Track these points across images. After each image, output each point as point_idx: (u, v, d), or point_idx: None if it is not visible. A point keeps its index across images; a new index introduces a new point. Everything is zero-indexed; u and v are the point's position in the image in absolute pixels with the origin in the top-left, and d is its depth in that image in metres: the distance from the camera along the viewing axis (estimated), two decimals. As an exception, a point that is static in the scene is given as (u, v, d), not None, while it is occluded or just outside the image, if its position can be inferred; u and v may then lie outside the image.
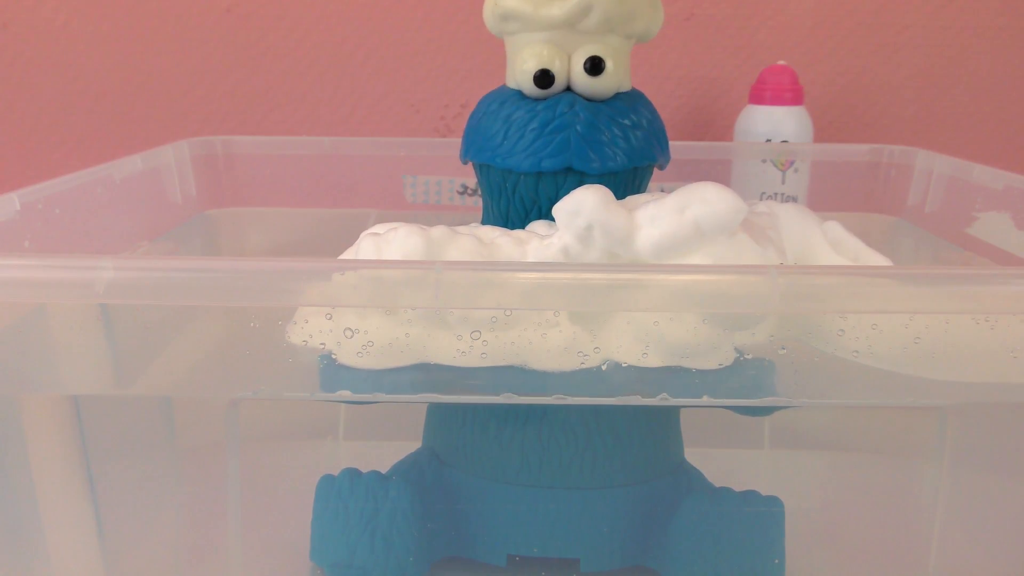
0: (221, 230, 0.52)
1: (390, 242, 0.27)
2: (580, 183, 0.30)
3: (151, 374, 0.28)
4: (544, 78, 0.31)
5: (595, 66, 0.31)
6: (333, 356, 0.27)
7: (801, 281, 0.24)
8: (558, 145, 0.31)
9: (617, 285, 0.24)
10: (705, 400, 0.27)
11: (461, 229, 0.29)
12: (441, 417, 0.34)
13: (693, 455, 0.34)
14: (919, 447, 0.35)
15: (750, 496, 0.32)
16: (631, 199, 0.30)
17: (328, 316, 0.26)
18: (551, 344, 0.27)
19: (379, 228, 0.29)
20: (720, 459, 0.40)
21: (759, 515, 0.31)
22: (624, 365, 0.27)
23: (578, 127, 0.31)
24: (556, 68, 0.31)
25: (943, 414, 0.29)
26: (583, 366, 0.27)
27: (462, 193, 0.50)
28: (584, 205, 0.27)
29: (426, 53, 0.64)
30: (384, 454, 0.35)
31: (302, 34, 0.64)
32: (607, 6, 0.31)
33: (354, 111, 0.66)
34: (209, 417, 0.33)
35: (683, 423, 0.34)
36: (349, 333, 0.26)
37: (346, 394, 0.27)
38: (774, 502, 0.31)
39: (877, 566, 0.34)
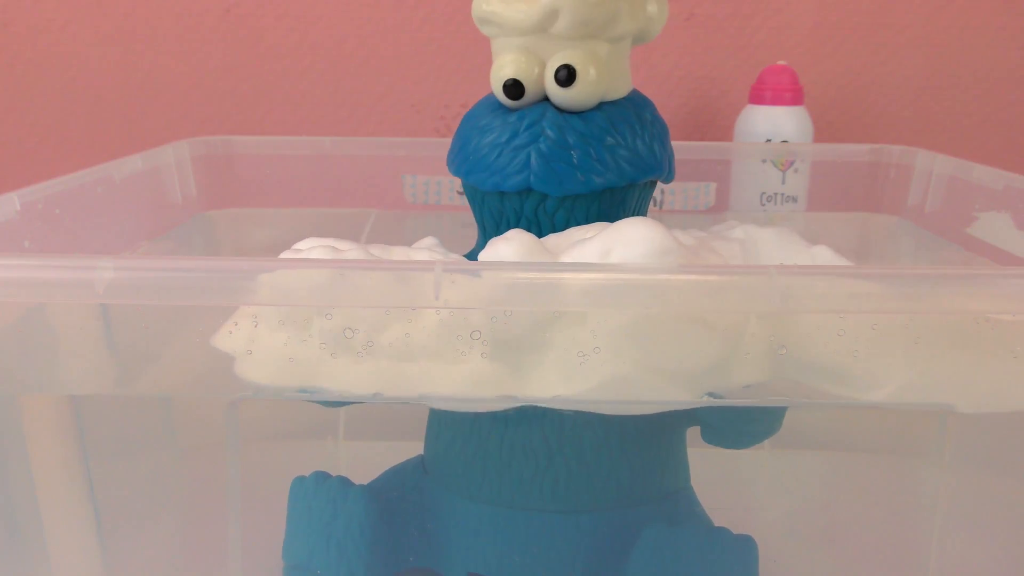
0: (221, 230, 0.52)
1: None
2: (542, 201, 0.29)
3: (151, 374, 0.28)
4: (514, 88, 0.29)
5: (568, 76, 0.28)
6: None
7: (801, 281, 0.24)
8: (518, 164, 0.29)
9: (612, 285, 0.23)
10: (705, 400, 0.27)
11: (395, 249, 0.29)
12: (428, 426, 0.34)
13: (693, 456, 0.34)
14: (919, 447, 0.35)
15: (719, 533, 0.30)
16: (567, 233, 0.29)
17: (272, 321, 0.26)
18: (459, 376, 0.25)
19: (302, 245, 0.29)
20: (721, 460, 0.40)
21: (728, 555, 0.30)
22: (542, 403, 0.26)
23: (541, 145, 0.29)
24: (528, 77, 0.29)
25: (943, 415, 0.29)
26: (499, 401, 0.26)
27: (462, 193, 0.50)
28: (504, 259, 0.26)
29: (426, 53, 0.64)
30: (383, 455, 0.35)
31: (302, 34, 0.64)
32: (577, 9, 0.28)
33: (354, 111, 0.65)
34: (209, 417, 0.33)
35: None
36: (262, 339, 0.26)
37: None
38: (746, 541, 0.30)
39: (877, 566, 0.34)
